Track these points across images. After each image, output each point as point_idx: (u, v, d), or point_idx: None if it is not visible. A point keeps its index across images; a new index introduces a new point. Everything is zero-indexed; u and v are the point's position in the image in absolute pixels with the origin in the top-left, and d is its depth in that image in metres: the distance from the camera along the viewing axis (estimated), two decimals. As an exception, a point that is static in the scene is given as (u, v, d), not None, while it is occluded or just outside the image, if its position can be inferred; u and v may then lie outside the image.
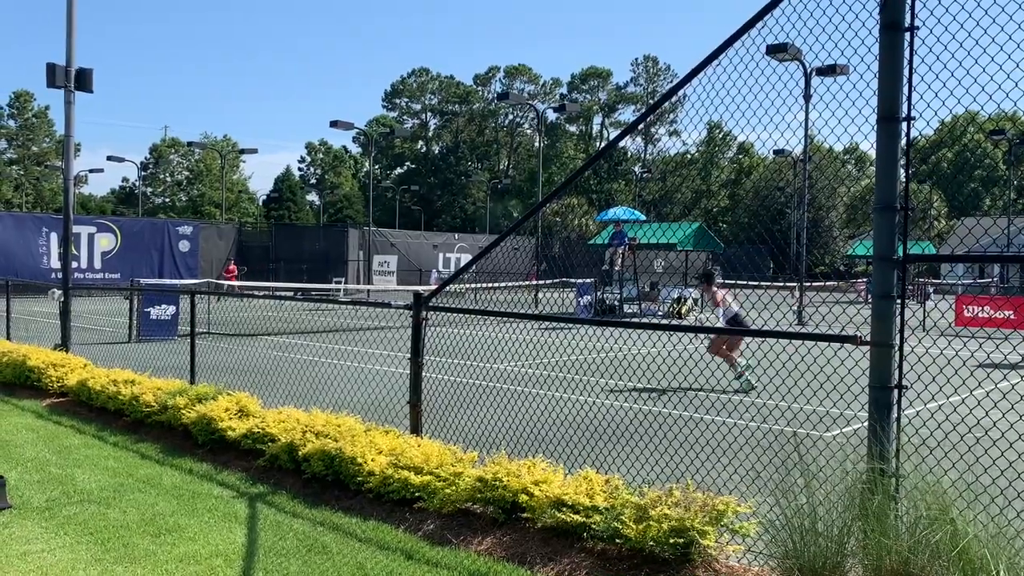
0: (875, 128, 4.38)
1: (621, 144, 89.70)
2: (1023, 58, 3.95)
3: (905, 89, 4.32)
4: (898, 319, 4.34)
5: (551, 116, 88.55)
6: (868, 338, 4.38)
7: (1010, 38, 3.99)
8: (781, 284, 29.33)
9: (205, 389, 8.16)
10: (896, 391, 4.33)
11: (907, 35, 4.31)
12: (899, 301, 4.35)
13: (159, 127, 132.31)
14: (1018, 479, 4.33)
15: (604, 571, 4.63)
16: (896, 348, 4.33)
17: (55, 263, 34.15)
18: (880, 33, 4.37)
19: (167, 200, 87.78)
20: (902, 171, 4.44)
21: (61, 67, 11.77)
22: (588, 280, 26.96)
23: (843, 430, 8.59)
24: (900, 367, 4.35)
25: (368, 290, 35.62)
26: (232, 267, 37.42)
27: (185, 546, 5.13)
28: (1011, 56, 4.00)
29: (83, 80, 11.92)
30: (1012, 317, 20.52)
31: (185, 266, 39.34)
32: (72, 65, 11.87)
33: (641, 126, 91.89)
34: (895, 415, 4.34)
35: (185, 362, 9.94)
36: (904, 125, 4.35)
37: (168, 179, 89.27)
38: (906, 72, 4.32)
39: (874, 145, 4.47)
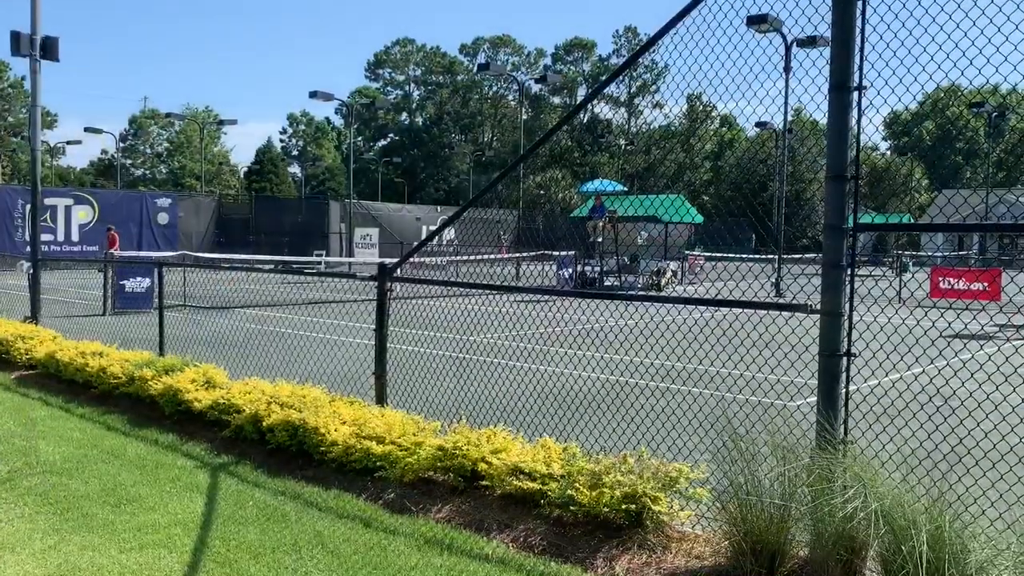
0: (827, 97, 4.40)
1: (604, 116, 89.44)
2: (971, 27, 3.97)
3: (857, 58, 4.33)
4: (848, 288, 4.39)
5: (534, 88, 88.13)
6: (819, 307, 4.42)
7: (959, 7, 4.00)
8: (758, 257, 29.49)
9: (172, 361, 8.15)
10: (845, 359, 4.38)
11: (859, 3, 4.31)
12: (849, 270, 4.39)
13: (139, 98, 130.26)
14: (972, 446, 4.41)
15: (558, 537, 4.69)
16: (845, 316, 4.37)
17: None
18: (832, 2, 4.37)
19: (147, 172, 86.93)
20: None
21: (26, 35, 11.56)
22: (569, 253, 27.00)
23: (807, 399, 8.69)
24: (849, 335, 4.40)
25: (349, 263, 35.52)
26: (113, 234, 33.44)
27: (144, 516, 5.15)
28: (959, 25, 4.01)
29: (49, 49, 11.74)
30: (986, 289, 20.76)
31: (164, 239, 39.07)
32: (37, 33, 11.67)
33: (624, 97, 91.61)
34: (844, 382, 4.39)
35: (157, 334, 9.90)
36: (856, 95, 4.37)
37: (148, 151, 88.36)
38: (858, 41, 4.33)
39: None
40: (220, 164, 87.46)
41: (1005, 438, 4.56)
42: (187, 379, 7.54)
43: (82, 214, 37.07)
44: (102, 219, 37.06)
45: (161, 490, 5.65)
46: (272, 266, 29.51)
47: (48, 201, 36.22)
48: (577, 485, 4.72)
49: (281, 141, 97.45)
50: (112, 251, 28.50)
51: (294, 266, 32.07)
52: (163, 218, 39.43)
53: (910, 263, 34.86)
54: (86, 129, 55.61)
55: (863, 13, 4.31)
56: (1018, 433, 4.74)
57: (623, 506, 4.54)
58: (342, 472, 5.91)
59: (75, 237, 36.36)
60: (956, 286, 21.83)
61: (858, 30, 4.31)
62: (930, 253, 37.63)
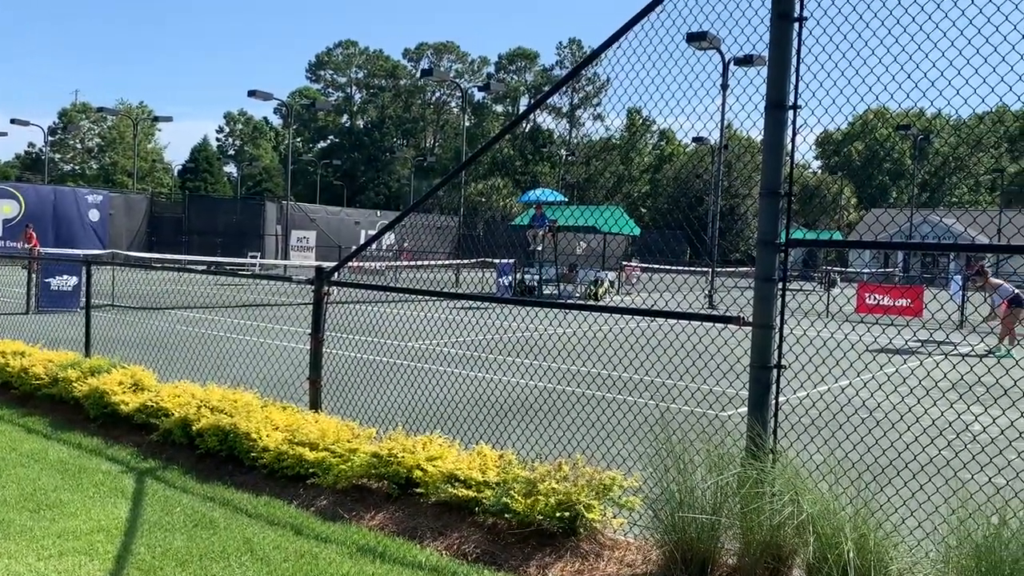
0: (763, 115, 4.51)
1: (546, 126, 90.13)
2: (900, 52, 4.12)
3: (793, 78, 4.45)
4: (779, 301, 4.49)
5: (477, 95, 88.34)
6: (751, 319, 4.52)
7: (889, 32, 4.15)
8: (693, 269, 30.02)
9: (99, 362, 7.91)
10: (775, 371, 4.48)
11: (796, 25, 4.43)
12: (780, 284, 4.49)
13: (69, 91, 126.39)
14: (894, 457, 4.55)
15: (492, 544, 4.69)
16: (776, 329, 4.48)
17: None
18: (771, 23, 4.48)
19: (77, 168, 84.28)
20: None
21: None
22: (509, 261, 27.07)
23: (738, 410, 8.86)
24: (780, 347, 4.50)
25: (285, 265, 34.98)
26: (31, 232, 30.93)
27: (65, 522, 4.98)
28: (890, 50, 4.16)
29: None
30: (909, 305, 21.49)
31: (95, 236, 37.92)
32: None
33: (566, 108, 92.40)
34: (773, 393, 4.49)
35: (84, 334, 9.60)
36: (791, 113, 4.48)
37: (78, 146, 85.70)
38: (794, 61, 4.44)
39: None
40: (153, 161, 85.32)
41: (925, 449, 4.73)
42: (114, 381, 7.32)
43: (7, 209, 35.78)
44: (28, 214, 35.82)
45: (84, 495, 5.47)
46: (205, 267, 28.88)
47: (-31, 194, 34.88)
48: (512, 493, 4.72)
49: (217, 140, 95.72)
50: (34, 249, 27.40)
51: (227, 267, 31.42)
52: (94, 215, 38.29)
53: (838, 278, 35.88)
54: (12, 121, 53.46)
55: (799, 34, 4.43)
56: (937, 445, 4.91)
57: (557, 514, 4.56)
58: (274, 478, 5.80)
59: (-2, 232, 35.08)
60: (882, 302, 22.53)
61: (794, 50, 4.43)
62: (858, 269, 38.77)
